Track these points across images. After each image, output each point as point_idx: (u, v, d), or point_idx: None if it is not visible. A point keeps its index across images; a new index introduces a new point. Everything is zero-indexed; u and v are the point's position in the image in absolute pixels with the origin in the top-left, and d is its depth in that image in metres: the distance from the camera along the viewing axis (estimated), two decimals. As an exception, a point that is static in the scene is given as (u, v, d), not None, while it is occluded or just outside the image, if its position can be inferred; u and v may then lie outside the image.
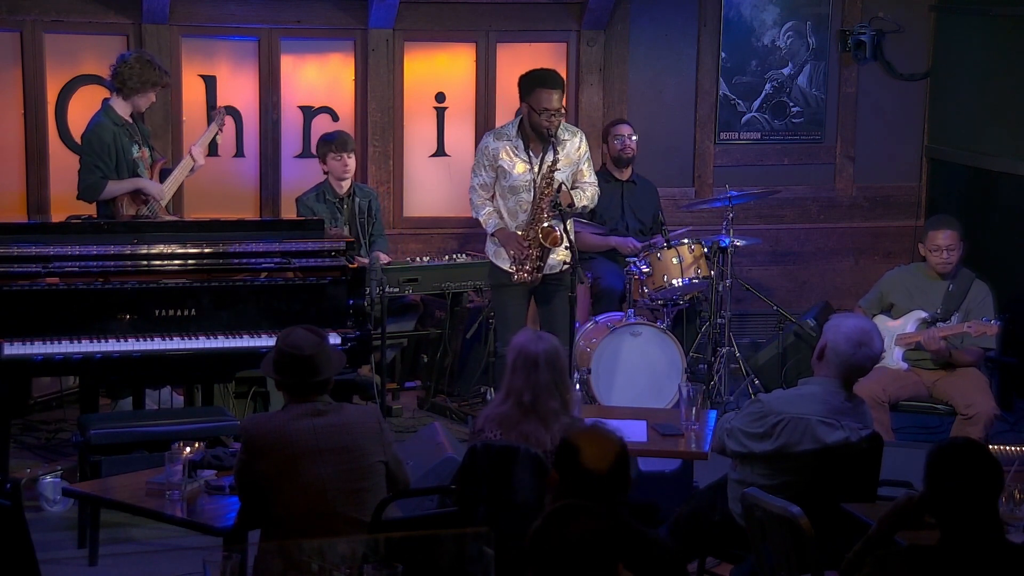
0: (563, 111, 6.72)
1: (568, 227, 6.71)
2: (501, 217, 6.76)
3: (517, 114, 6.92)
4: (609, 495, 3.51)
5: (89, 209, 7.29)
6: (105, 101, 7.29)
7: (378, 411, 4.84)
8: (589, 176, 6.87)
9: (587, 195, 6.80)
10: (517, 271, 6.70)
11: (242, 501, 4.60)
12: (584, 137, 6.91)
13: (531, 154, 6.71)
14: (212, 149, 8.39)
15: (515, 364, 4.78)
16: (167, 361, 6.30)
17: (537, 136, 6.67)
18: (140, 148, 7.25)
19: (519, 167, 6.70)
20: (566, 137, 6.74)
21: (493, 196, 6.80)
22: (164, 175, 7.39)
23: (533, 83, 6.66)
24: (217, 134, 7.70)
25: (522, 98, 6.72)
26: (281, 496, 4.45)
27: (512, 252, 6.68)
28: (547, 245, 6.63)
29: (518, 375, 4.75)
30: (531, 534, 3.10)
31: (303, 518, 4.42)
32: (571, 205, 6.69)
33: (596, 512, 3.15)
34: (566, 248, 6.70)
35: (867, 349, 4.76)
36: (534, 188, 6.68)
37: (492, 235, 6.77)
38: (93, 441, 5.92)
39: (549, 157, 6.67)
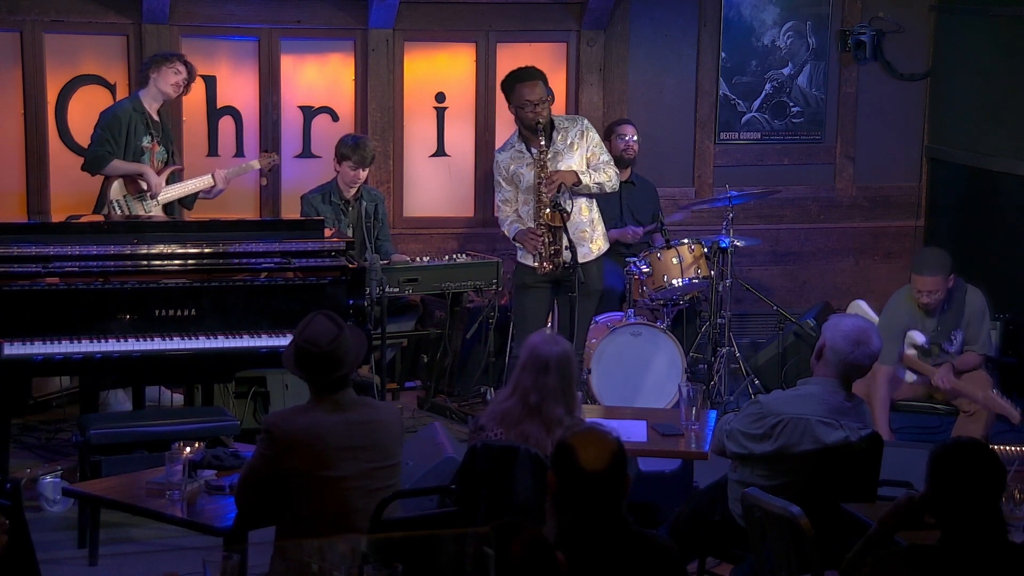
0: (548, 100, 6.76)
1: (566, 227, 6.70)
2: (525, 223, 6.83)
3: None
4: (608, 495, 3.52)
5: (88, 208, 7.31)
6: (135, 91, 7.48)
7: (399, 410, 4.82)
8: (604, 156, 6.90)
9: (607, 174, 6.84)
10: (540, 264, 6.75)
11: (251, 499, 4.54)
12: (588, 123, 6.94)
13: (533, 153, 6.74)
14: (212, 149, 8.41)
15: (526, 363, 4.78)
16: (167, 361, 6.30)
17: (531, 132, 6.72)
18: (152, 140, 7.33)
19: (529, 167, 6.76)
20: (565, 125, 6.81)
21: (516, 209, 6.90)
22: (172, 181, 7.43)
23: (511, 82, 6.77)
24: (261, 172, 7.78)
25: (508, 102, 6.81)
26: (309, 493, 4.42)
27: (530, 247, 6.73)
28: (555, 225, 6.66)
29: (527, 374, 4.75)
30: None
31: (331, 515, 4.40)
32: (576, 183, 6.72)
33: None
34: (566, 248, 6.71)
35: (866, 348, 4.76)
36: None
37: (514, 239, 6.85)
38: (93, 441, 5.92)
39: (558, 147, 6.75)
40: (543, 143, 6.68)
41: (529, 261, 6.85)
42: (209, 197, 7.63)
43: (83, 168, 7.38)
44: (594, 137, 6.89)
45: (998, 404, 6.60)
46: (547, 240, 6.71)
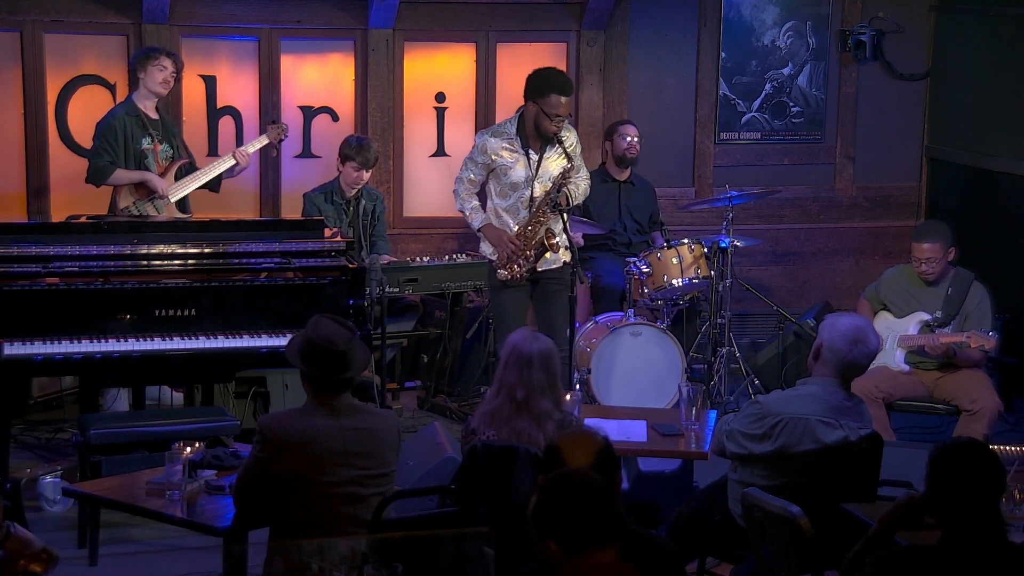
0: (571, 113, 6.74)
1: (566, 227, 6.71)
2: (499, 215, 6.76)
3: (518, 111, 6.86)
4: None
5: (88, 208, 7.31)
6: (129, 94, 7.47)
7: (398, 420, 4.83)
8: (583, 171, 6.87)
9: (580, 190, 6.81)
10: (505, 267, 6.69)
11: (246, 500, 4.56)
12: (576, 132, 6.91)
13: (530, 152, 6.70)
14: (212, 149, 8.41)
15: (508, 360, 4.81)
16: (167, 361, 6.30)
17: (539, 137, 6.67)
18: (153, 141, 7.31)
19: (520, 164, 6.70)
20: (565, 135, 6.74)
21: (479, 193, 6.83)
22: (183, 174, 7.40)
23: (548, 87, 6.59)
24: (271, 146, 7.74)
25: (530, 97, 6.66)
26: (298, 496, 4.43)
27: (501, 250, 6.69)
28: (548, 247, 6.65)
29: (511, 371, 4.78)
30: (534, 507, 3.23)
31: (319, 519, 4.40)
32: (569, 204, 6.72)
33: (595, 475, 3.33)
34: (566, 248, 6.71)
35: (863, 347, 4.76)
36: (531, 185, 6.69)
37: (479, 231, 6.79)
38: (93, 441, 5.92)
39: (549, 153, 6.69)
40: (571, 159, 6.64)
41: (489, 254, 6.79)
42: (232, 175, 7.60)
43: (87, 181, 7.36)
44: (578, 148, 6.85)
45: (981, 339, 6.62)
46: (528, 255, 6.68)
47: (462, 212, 6.84)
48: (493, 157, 6.69)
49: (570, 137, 6.74)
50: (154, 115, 7.39)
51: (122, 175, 7.25)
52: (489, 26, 8.77)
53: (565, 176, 6.65)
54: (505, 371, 4.81)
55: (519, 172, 6.68)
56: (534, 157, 6.68)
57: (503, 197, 6.74)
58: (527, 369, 4.76)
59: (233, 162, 7.49)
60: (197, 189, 7.47)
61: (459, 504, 4.70)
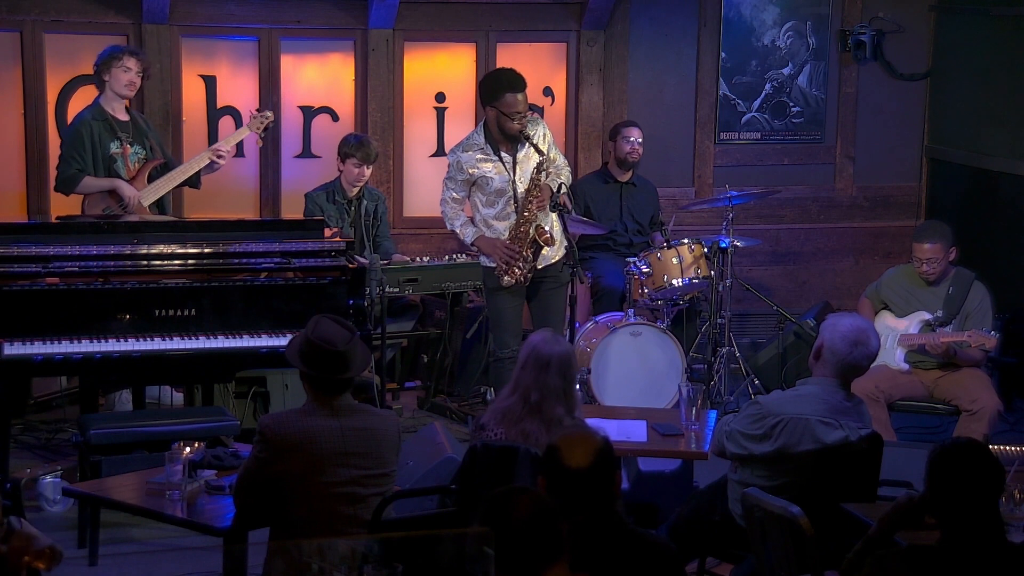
0: (529, 109, 6.72)
1: (565, 226, 6.71)
2: (488, 225, 6.76)
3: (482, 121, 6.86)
4: (595, 492, 3.54)
5: (75, 208, 7.29)
6: (96, 98, 7.33)
7: (398, 420, 4.82)
8: (559, 159, 6.87)
9: (563, 177, 6.81)
10: (506, 273, 6.68)
11: (246, 500, 4.56)
12: (543, 122, 6.90)
13: (503, 155, 6.70)
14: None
15: (527, 361, 4.81)
16: (167, 361, 6.30)
17: (506, 139, 6.67)
18: (122, 144, 7.20)
19: (497, 170, 6.70)
20: (530, 131, 6.74)
21: (465, 207, 6.83)
22: (157, 174, 7.31)
23: (501, 88, 6.62)
24: (255, 138, 7.66)
25: (486, 103, 6.68)
26: (298, 496, 4.43)
27: (499, 257, 6.68)
28: (542, 243, 6.65)
29: (528, 373, 4.78)
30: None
31: (318, 519, 4.41)
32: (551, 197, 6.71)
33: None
34: (565, 247, 6.72)
35: (864, 348, 4.77)
36: (514, 186, 6.69)
37: (472, 244, 6.80)
38: (93, 441, 5.92)
39: (522, 151, 6.68)
40: (543, 154, 6.61)
41: (488, 263, 6.78)
42: (212, 171, 7.45)
43: (56, 189, 7.28)
44: (550, 138, 6.85)
45: (982, 338, 6.63)
46: (526, 255, 6.67)
47: (453, 231, 6.88)
48: (471, 171, 6.72)
49: (538, 130, 6.74)
50: (123, 116, 7.25)
51: (91, 183, 7.13)
52: (489, 26, 8.77)
53: (541, 169, 6.64)
54: (522, 371, 4.81)
55: (499, 178, 6.69)
56: (508, 159, 6.69)
57: (490, 206, 6.76)
58: (544, 372, 4.76)
59: (208, 162, 7.34)
60: (178, 187, 7.39)
61: (459, 504, 4.70)
